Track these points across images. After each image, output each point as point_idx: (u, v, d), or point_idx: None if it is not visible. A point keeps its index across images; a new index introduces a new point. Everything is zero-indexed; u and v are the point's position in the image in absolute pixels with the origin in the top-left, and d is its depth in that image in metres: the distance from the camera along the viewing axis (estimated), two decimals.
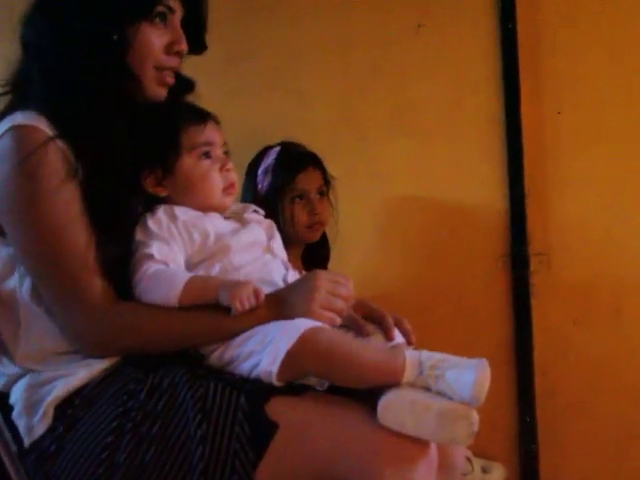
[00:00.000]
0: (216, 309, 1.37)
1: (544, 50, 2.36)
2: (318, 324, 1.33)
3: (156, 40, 1.47)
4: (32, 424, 1.36)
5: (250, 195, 2.16)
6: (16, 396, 1.40)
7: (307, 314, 1.35)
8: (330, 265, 2.32)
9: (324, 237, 2.30)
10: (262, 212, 1.63)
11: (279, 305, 1.38)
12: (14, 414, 1.39)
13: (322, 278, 1.39)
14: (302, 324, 1.32)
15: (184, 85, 1.60)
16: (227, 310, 1.35)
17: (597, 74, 2.33)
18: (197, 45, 1.59)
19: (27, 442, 1.36)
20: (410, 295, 2.42)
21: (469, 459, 2.19)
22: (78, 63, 1.41)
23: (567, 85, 2.34)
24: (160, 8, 1.47)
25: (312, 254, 2.27)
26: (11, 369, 1.42)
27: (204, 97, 1.62)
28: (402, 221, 2.47)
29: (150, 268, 1.37)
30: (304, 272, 1.72)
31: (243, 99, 2.47)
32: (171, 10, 1.49)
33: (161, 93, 1.52)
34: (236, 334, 1.37)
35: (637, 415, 2.33)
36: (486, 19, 2.37)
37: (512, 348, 2.37)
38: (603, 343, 2.34)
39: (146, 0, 1.45)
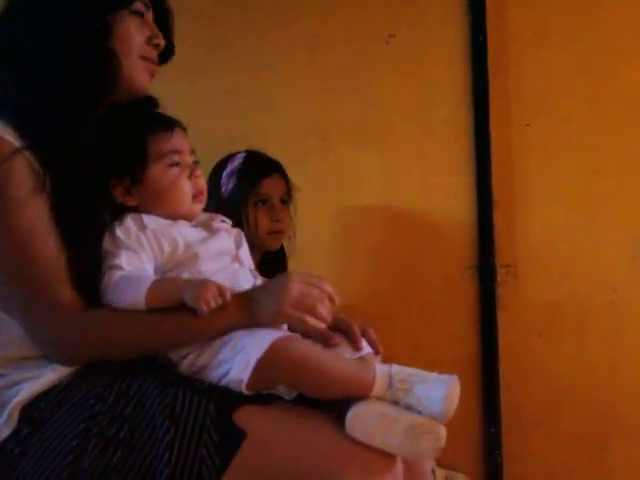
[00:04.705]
0: (185, 310, 1.34)
1: (513, 63, 2.39)
2: (290, 334, 1.33)
3: (136, 31, 1.49)
4: None
5: (213, 199, 2.12)
6: None
7: (277, 314, 1.34)
8: None
9: (281, 247, 2.28)
10: (229, 222, 1.61)
11: (250, 304, 1.36)
12: None
13: (294, 279, 1.38)
14: (273, 333, 1.31)
15: (149, 103, 1.59)
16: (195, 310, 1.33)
17: (565, 87, 2.36)
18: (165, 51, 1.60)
19: None
20: (375, 306, 2.42)
21: (432, 470, 2.19)
22: (58, 54, 1.40)
23: (535, 98, 2.37)
24: (138, 4, 1.49)
25: (269, 263, 2.24)
26: None
27: (174, 105, 1.61)
28: (368, 231, 2.47)
29: (116, 275, 1.36)
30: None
31: (212, 108, 2.47)
32: (147, 7, 1.52)
33: (148, 82, 1.52)
34: (208, 334, 1.36)
35: (599, 428, 2.35)
36: (456, 31, 2.39)
37: (478, 359, 2.38)
38: (568, 356, 2.36)
39: None
